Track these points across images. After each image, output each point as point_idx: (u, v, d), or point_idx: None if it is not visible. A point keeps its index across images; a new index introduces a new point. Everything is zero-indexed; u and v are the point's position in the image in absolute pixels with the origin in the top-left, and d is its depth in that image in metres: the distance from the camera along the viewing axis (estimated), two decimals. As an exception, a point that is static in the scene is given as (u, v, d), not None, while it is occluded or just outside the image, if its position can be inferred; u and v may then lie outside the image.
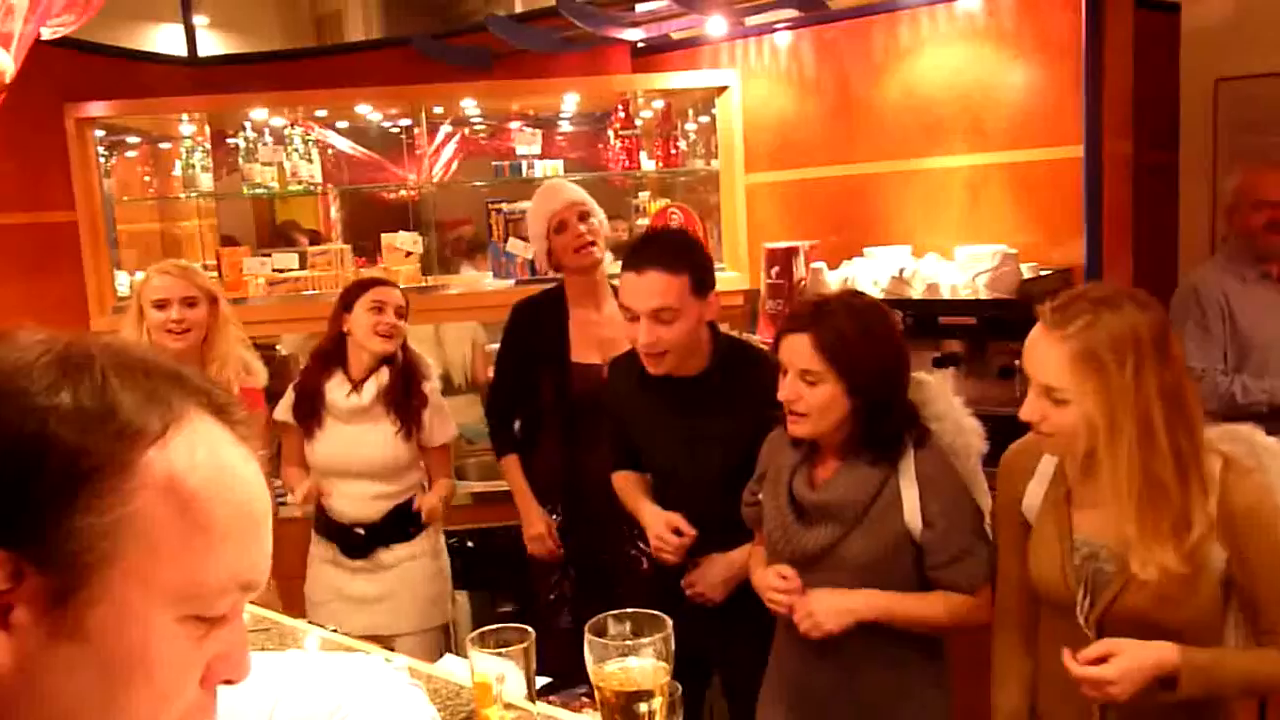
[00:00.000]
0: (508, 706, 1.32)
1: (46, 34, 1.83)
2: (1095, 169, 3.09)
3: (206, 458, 0.71)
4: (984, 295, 3.03)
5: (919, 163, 3.61)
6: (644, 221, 4.20)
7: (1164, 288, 3.92)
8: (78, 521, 0.66)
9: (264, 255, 4.06)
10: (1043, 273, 3.19)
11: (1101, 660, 1.62)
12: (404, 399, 2.86)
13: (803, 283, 3.47)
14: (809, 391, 1.90)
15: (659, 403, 2.35)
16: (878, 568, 1.94)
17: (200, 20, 6.77)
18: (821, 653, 1.98)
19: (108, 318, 3.82)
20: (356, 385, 2.85)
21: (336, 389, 2.87)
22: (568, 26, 3.81)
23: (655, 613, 1.27)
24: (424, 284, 3.96)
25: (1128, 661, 1.60)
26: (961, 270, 3.15)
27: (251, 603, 2.01)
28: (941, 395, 2.04)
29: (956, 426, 2.01)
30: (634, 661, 1.24)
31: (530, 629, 1.37)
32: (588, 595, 2.86)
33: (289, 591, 2.91)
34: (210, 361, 2.78)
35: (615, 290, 2.80)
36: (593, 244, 2.86)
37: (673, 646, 1.25)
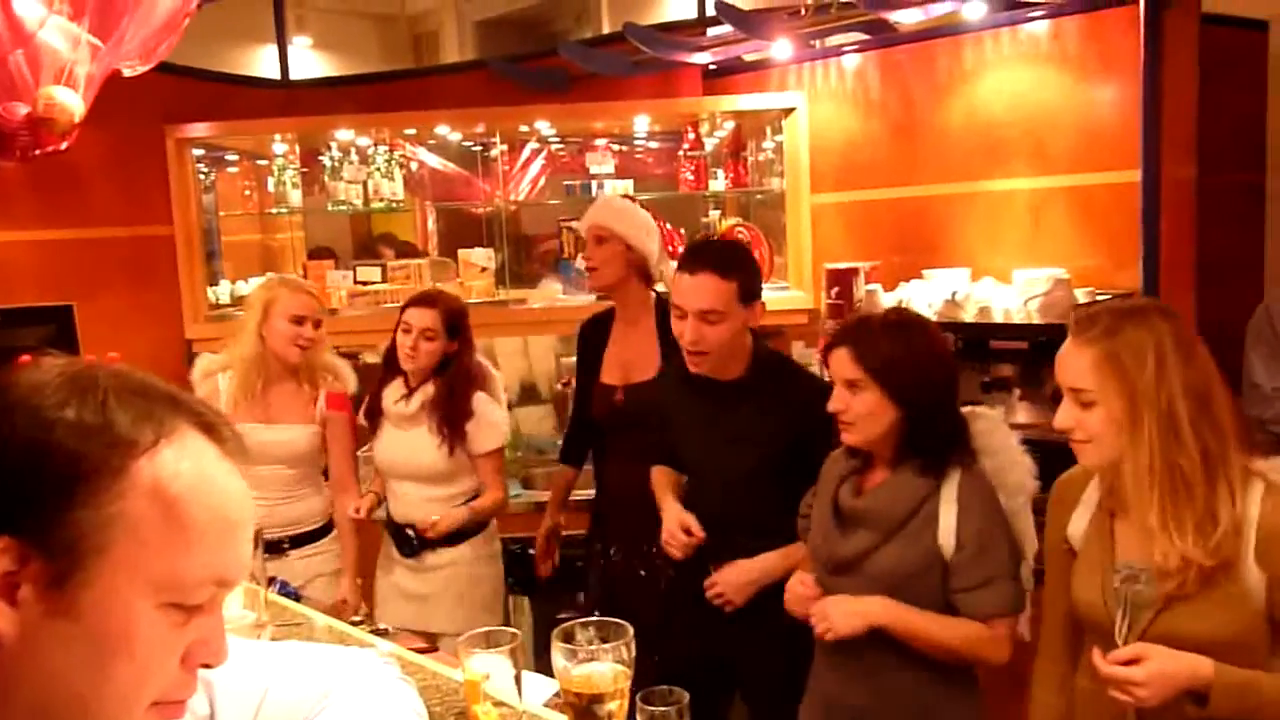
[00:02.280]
0: (496, 704, 1.41)
1: (127, 72, 2.01)
2: (1153, 193, 3.05)
3: (190, 468, 0.83)
4: (1036, 320, 3.03)
5: (981, 185, 3.62)
6: (713, 240, 4.29)
7: (1248, 311, 3.85)
8: (75, 515, 0.77)
9: (351, 268, 4.26)
10: (1100, 296, 3.14)
11: (1133, 663, 1.57)
12: (449, 411, 2.92)
13: (859, 304, 3.50)
14: (854, 400, 1.99)
15: (698, 403, 2.44)
16: (905, 582, 1.98)
17: (303, 40, 7.12)
18: (854, 671, 2.04)
19: (201, 324, 4.06)
20: (409, 393, 2.97)
21: (391, 394, 3.01)
22: (639, 51, 3.90)
23: (618, 621, 1.35)
24: (496, 298, 4.10)
25: (1159, 666, 1.56)
26: (1016, 294, 3.15)
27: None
28: (999, 428, 2.08)
29: (1010, 462, 2.03)
30: (597, 666, 1.32)
31: (517, 631, 1.46)
32: (614, 604, 2.87)
33: (365, 588, 3.10)
34: (307, 369, 2.99)
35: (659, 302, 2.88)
36: (594, 268, 2.93)
37: (634, 653, 1.33)
